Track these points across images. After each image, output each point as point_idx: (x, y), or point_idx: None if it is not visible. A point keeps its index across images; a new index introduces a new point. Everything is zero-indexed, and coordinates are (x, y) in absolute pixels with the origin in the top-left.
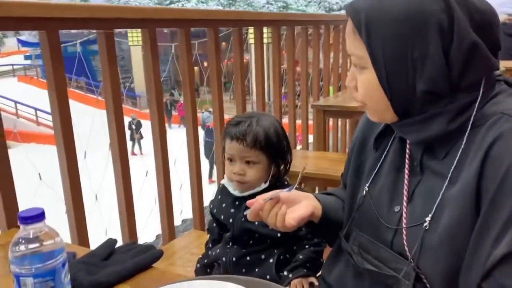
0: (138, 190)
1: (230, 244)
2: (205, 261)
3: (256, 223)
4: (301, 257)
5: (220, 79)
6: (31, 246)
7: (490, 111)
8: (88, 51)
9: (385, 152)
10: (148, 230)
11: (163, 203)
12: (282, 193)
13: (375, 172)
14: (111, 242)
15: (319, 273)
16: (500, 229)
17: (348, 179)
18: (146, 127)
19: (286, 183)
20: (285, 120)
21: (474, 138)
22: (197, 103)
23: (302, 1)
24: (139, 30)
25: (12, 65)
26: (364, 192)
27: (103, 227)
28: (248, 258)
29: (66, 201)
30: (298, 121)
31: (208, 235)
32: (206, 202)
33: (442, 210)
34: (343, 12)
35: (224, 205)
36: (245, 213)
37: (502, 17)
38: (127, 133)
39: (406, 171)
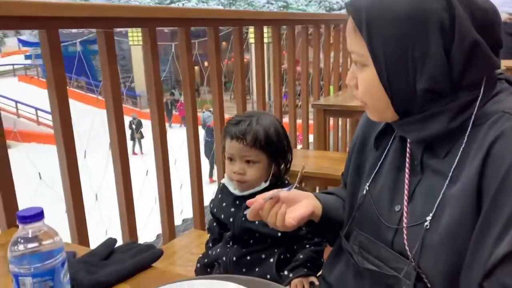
0: (139, 189)
1: (231, 243)
2: (205, 260)
3: (257, 222)
4: (301, 256)
5: (221, 78)
6: (30, 245)
7: (491, 109)
8: (89, 50)
9: (386, 151)
10: (149, 230)
11: (163, 203)
12: (282, 192)
13: (375, 171)
14: (111, 241)
15: (320, 273)
16: (502, 228)
17: (348, 178)
18: (147, 127)
19: (286, 182)
20: (286, 120)
21: (475, 136)
22: (197, 103)
23: (303, 1)
24: (139, 29)
25: (13, 64)
26: (365, 192)
27: (103, 226)
28: (248, 257)
29: (66, 201)
30: (299, 121)
31: (208, 235)
32: (207, 202)
33: (443, 209)
34: (343, 11)
35: (224, 204)
36: (245, 213)
37: (503, 16)
38: (128, 132)
39: (407, 170)
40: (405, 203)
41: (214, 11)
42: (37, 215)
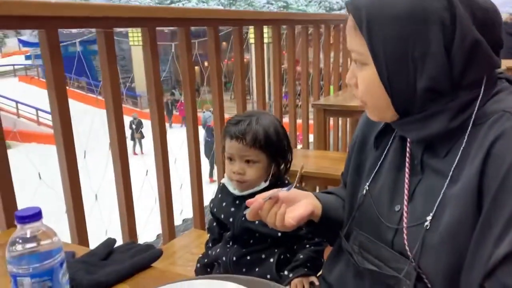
0: (139, 189)
1: (230, 243)
2: (205, 260)
3: (257, 222)
4: (301, 256)
5: (221, 78)
6: (28, 245)
7: (491, 109)
8: (89, 51)
9: (386, 151)
10: (149, 230)
11: (163, 203)
12: (281, 192)
13: (375, 171)
14: (110, 241)
15: (320, 273)
16: (502, 228)
17: (348, 178)
18: (147, 127)
19: (286, 182)
20: (286, 120)
21: (475, 136)
22: (197, 103)
23: (303, 1)
24: (139, 30)
25: (13, 65)
26: (365, 191)
27: (103, 226)
28: (248, 257)
29: (66, 201)
30: (299, 121)
31: (208, 235)
32: (207, 202)
33: (443, 209)
34: (343, 11)
35: (224, 204)
36: (244, 213)
37: (503, 16)
38: (128, 132)
39: (407, 170)
40: (405, 203)
41: (214, 11)
42: (35, 215)
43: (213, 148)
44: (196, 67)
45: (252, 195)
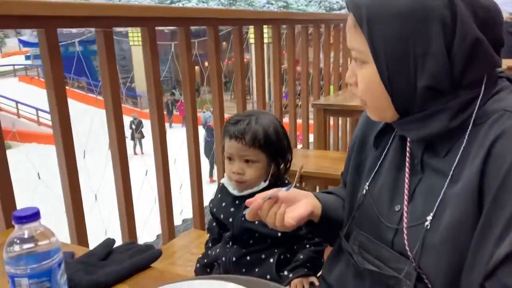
0: (139, 189)
1: (230, 243)
2: (205, 260)
3: (256, 222)
4: (301, 256)
5: (220, 78)
6: (26, 246)
7: (492, 108)
8: (89, 51)
9: (385, 151)
10: (149, 230)
11: (163, 203)
12: (281, 192)
13: (375, 170)
14: (110, 241)
15: (320, 273)
16: (503, 228)
17: (348, 178)
18: (148, 127)
19: (286, 182)
20: (286, 120)
21: (476, 135)
22: (197, 103)
23: (303, 1)
24: (139, 29)
25: (13, 65)
26: (364, 191)
27: (103, 227)
28: (248, 257)
29: (65, 201)
30: (299, 121)
31: (208, 235)
32: (207, 202)
33: (443, 209)
34: (343, 11)
35: (224, 204)
36: (244, 213)
37: (504, 15)
38: (129, 132)
39: (407, 170)
40: (405, 202)
41: (214, 10)
42: (33, 215)
43: (213, 148)
44: (196, 67)
45: (252, 195)
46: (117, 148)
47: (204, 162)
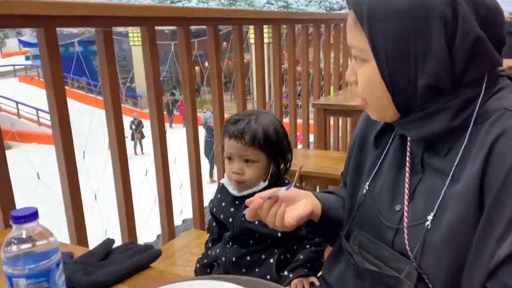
0: (139, 189)
1: (230, 243)
2: (205, 261)
3: (256, 222)
4: (301, 257)
5: (220, 77)
6: (24, 246)
7: (493, 107)
8: (90, 51)
9: (386, 150)
10: (149, 230)
11: (162, 203)
12: (281, 191)
13: (375, 170)
14: (109, 242)
15: (320, 273)
16: (504, 227)
17: (348, 178)
18: (148, 127)
19: (286, 182)
20: (286, 120)
21: (476, 134)
22: (197, 103)
23: (303, 1)
24: (139, 29)
25: (13, 65)
26: (365, 191)
27: (103, 227)
28: (248, 258)
29: (64, 201)
30: (299, 121)
31: (208, 235)
32: (207, 202)
33: (444, 208)
34: (343, 11)
35: (223, 204)
36: (244, 212)
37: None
38: (129, 133)
39: (407, 169)
40: (406, 202)
41: (213, 10)
42: (31, 215)
43: (213, 148)
44: (196, 67)
45: (252, 195)
46: (117, 148)
47: (204, 162)
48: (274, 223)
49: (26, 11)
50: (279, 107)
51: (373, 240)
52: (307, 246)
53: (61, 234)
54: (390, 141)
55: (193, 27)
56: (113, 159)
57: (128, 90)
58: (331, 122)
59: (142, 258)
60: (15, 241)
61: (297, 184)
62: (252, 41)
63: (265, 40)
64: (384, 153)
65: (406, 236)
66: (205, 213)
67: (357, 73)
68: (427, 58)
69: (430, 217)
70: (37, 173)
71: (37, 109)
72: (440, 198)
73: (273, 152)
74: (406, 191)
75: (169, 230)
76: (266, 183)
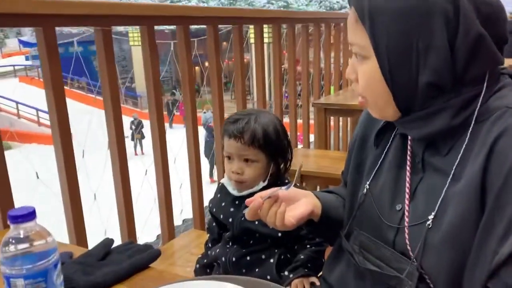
0: (139, 189)
1: (230, 244)
2: (205, 261)
3: (256, 222)
4: (302, 257)
5: (220, 77)
6: (21, 246)
7: (494, 105)
8: (90, 51)
9: (386, 149)
10: (148, 230)
11: (162, 203)
12: (281, 191)
13: (376, 169)
14: (108, 242)
15: (320, 273)
16: (506, 227)
17: (348, 177)
18: (148, 127)
19: (286, 181)
20: (286, 119)
21: (478, 133)
22: (197, 103)
23: (303, 0)
24: (139, 29)
25: (14, 65)
26: (365, 190)
27: (102, 227)
28: (248, 258)
29: (64, 201)
30: (299, 120)
31: (208, 235)
32: (207, 202)
33: (445, 208)
34: (344, 11)
35: (223, 204)
36: (244, 212)
37: None
38: (129, 133)
39: (408, 168)
40: (407, 202)
41: (213, 9)
42: (29, 215)
43: (213, 148)
44: (196, 67)
45: (251, 195)
46: (117, 148)
47: (204, 162)
48: (274, 222)
49: (25, 10)
50: (279, 107)
51: (374, 240)
52: (308, 246)
53: (61, 234)
54: (390, 140)
55: (193, 27)
56: (112, 159)
57: (128, 90)
58: (332, 122)
59: (142, 258)
60: (13, 241)
61: (297, 184)
62: (252, 40)
63: (265, 40)
64: (384, 152)
65: (407, 236)
66: (205, 213)
67: (357, 70)
68: (429, 55)
69: (431, 217)
70: (36, 173)
71: (37, 110)
72: (441, 197)
73: (273, 151)
74: (407, 190)
75: (169, 230)
76: (266, 183)
